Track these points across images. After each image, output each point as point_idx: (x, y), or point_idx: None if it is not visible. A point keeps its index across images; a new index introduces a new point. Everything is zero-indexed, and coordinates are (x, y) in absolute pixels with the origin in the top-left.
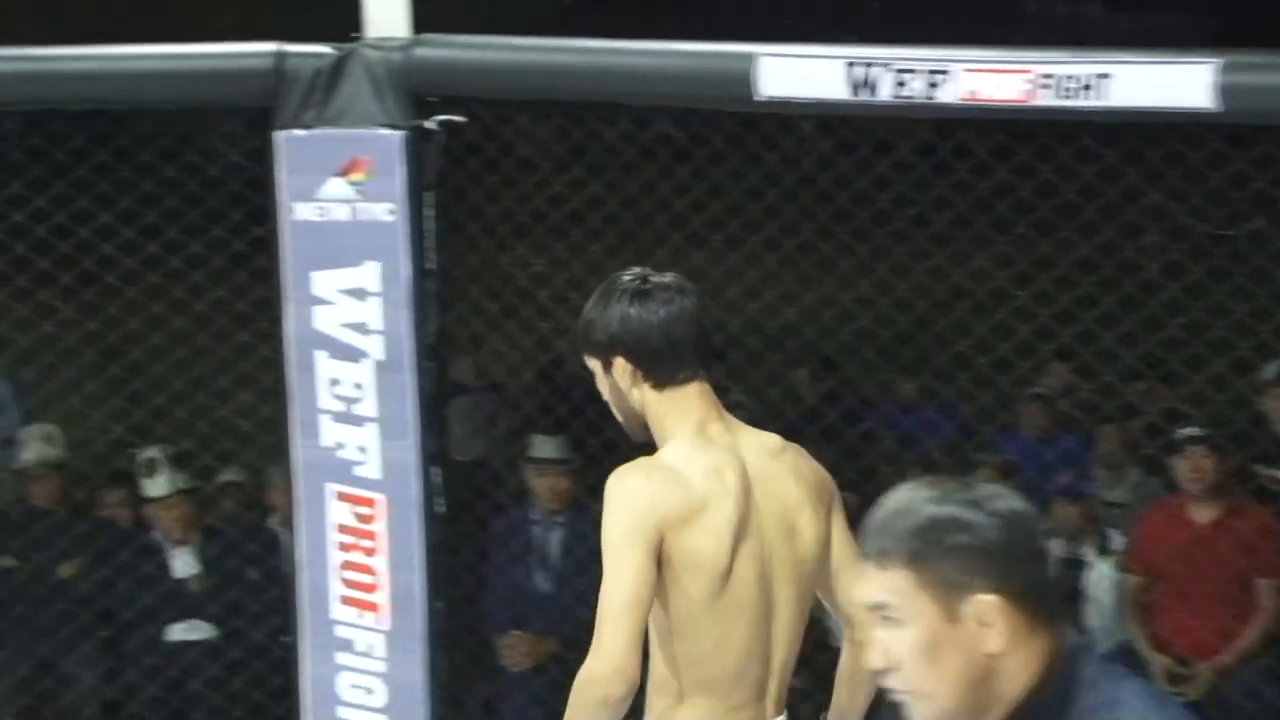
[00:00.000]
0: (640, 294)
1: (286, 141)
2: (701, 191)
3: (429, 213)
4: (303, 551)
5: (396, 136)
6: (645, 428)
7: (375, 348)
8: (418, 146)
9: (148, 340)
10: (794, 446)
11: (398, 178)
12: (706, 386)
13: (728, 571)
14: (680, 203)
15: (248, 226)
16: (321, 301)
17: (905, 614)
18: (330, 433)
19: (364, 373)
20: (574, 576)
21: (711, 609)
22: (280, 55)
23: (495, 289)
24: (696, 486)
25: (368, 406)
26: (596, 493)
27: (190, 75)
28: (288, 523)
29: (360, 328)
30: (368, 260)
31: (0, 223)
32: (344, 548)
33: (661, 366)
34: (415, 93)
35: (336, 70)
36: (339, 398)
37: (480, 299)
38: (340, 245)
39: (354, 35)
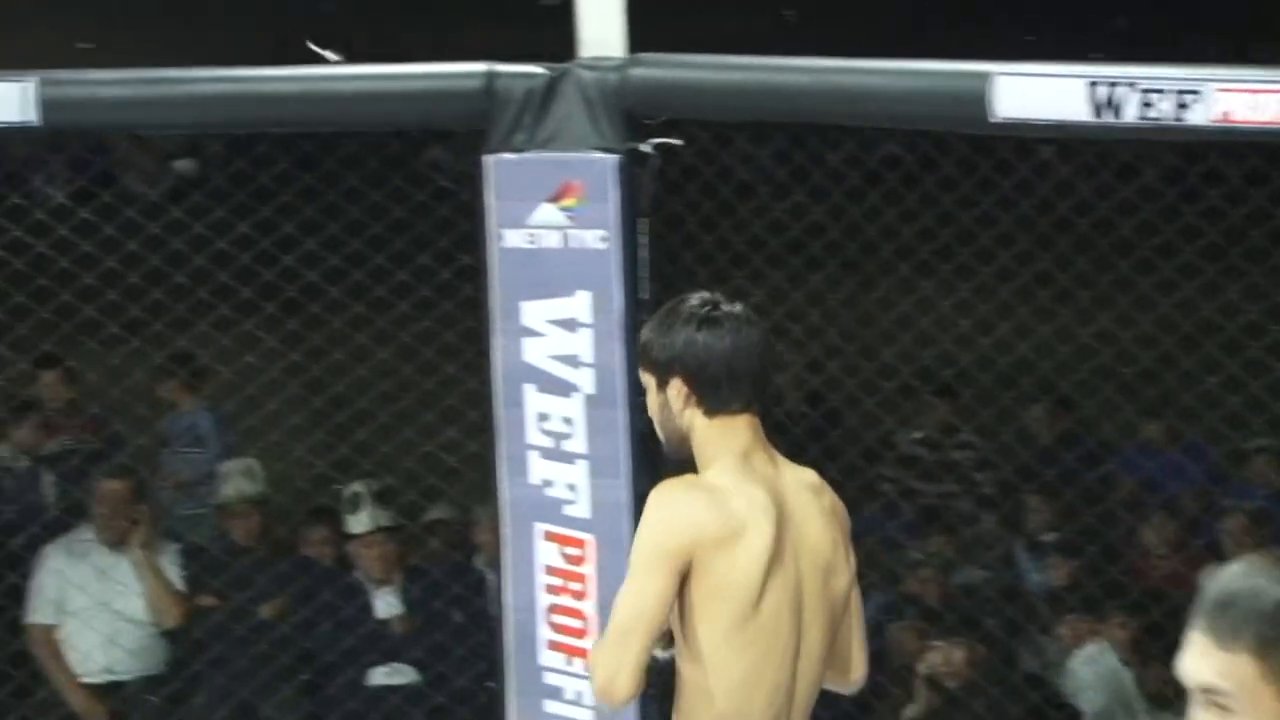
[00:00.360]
0: (709, 320)
1: (496, 165)
2: (931, 218)
3: (643, 240)
4: (509, 593)
5: (610, 160)
6: (685, 449)
7: (586, 381)
8: (632, 171)
9: (352, 372)
10: (828, 487)
11: (611, 203)
12: (756, 420)
13: (757, 601)
14: (908, 230)
15: (455, 254)
16: (531, 333)
17: (1242, 705)
18: (538, 470)
19: (574, 407)
20: None
21: (737, 638)
22: (491, 75)
23: None
24: (736, 511)
25: (578, 443)
26: None
27: (399, 96)
28: (494, 563)
29: (571, 360)
30: (579, 290)
31: (203, 249)
32: (552, 590)
33: (718, 395)
34: (630, 114)
35: (549, 91)
36: (548, 433)
37: None
38: (551, 274)
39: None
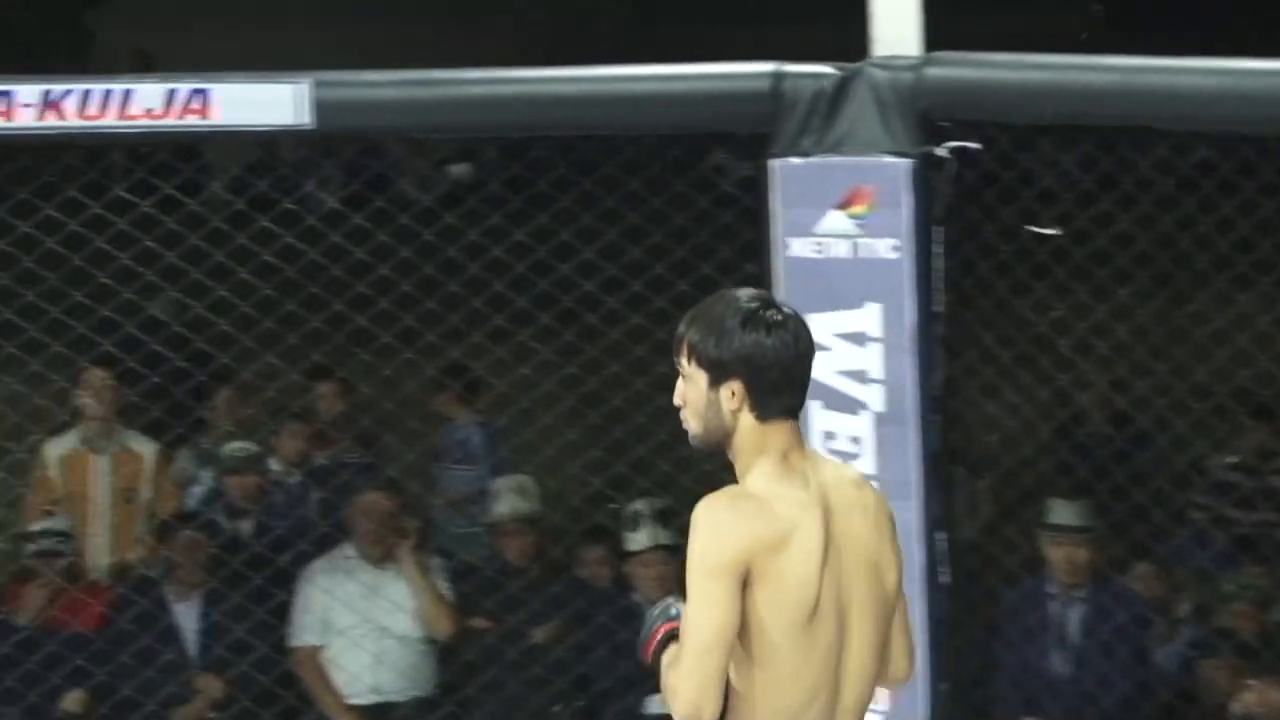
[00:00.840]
0: (775, 325)
1: (782, 170)
2: (1249, 227)
3: (937, 250)
4: None
5: (903, 165)
6: (720, 447)
7: (875, 398)
8: (926, 176)
9: (630, 386)
10: (869, 483)
11: (904, 211)
12: (797, 423)
13: (816, 599)
14: (1224, 240)
15: (738, 264)
16: (819, 348)
17: None
18: None
19: (862, 426)
20: (1096, 659)
21: (794, 637)
22: (778, 76)
23: (1009, 335)
24: (783, 514)
25: (866, 463)
26: (1120, 564)
27: (682, 98)
28: None
29: (859, 376)
30: (869, 302)
31: (478, 257)
32: None
33: (776, 400)
34: (925, 116)
35: (839, 92)
36: (835, 453)
37: (992, 346)
38: (839, 285)
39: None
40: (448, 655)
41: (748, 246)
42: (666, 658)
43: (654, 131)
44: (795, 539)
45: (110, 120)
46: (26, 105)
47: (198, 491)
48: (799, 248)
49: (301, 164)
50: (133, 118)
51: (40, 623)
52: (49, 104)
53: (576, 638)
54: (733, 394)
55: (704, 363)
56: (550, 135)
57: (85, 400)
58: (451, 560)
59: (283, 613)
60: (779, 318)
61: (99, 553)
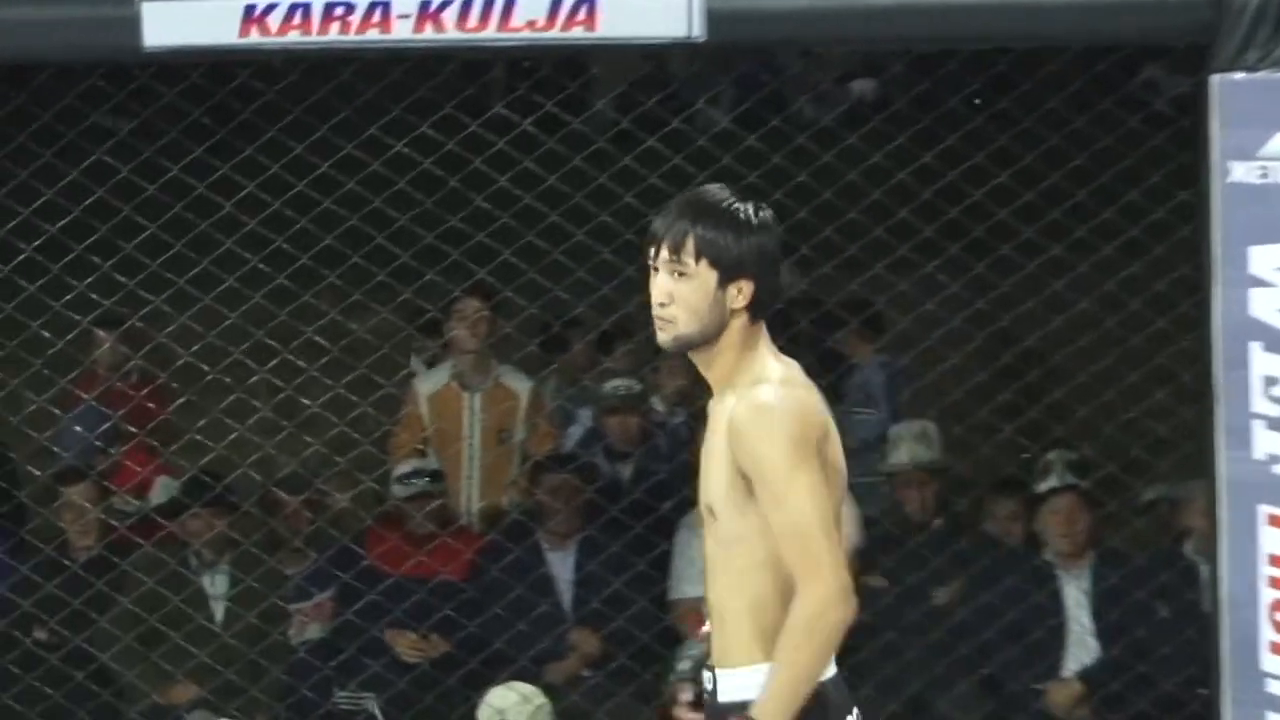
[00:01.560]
0: (773, 225)
1: (1223, 87)
2: None
3: None
4: (1225, 587)
5: None
6: (703, 346)
7: None
8: None
9: (1045, 324)
10: None
11: None
12: None
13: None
14: None
15: (1171, 190)
16: (1260, 283)
17: None
18: (1264, 443)
19: None
20: None
21: (835, 519)
22: None
23: None
24: (819, 404)
25: None
26: None
27: (1111, 7)
28: (1207, 551)
29: None
30: None
31: (882, 183)
32: (1277, 584)
33: (770, 300)
34: None
35: None
36: (1277, 400)
37: None
38: None
39: None
40: None
41: (1181, 171)
42: (777, 686)
43: (1077, 43)
44: (831, 426)
45: (490, 32)
46: (403, 16)
47: (575, 432)
48: (1240, 173)
49: (691, 79)
50: (514, 29)
51: (408, 569)
52: (426, 14)
53: (982, 599)
54: (739, 292)
55: (718, 262)
56: (963, 48)
57: (458, 332)
58: None
59: (662, 563)
60: (772, 218)
61: (470, 496)
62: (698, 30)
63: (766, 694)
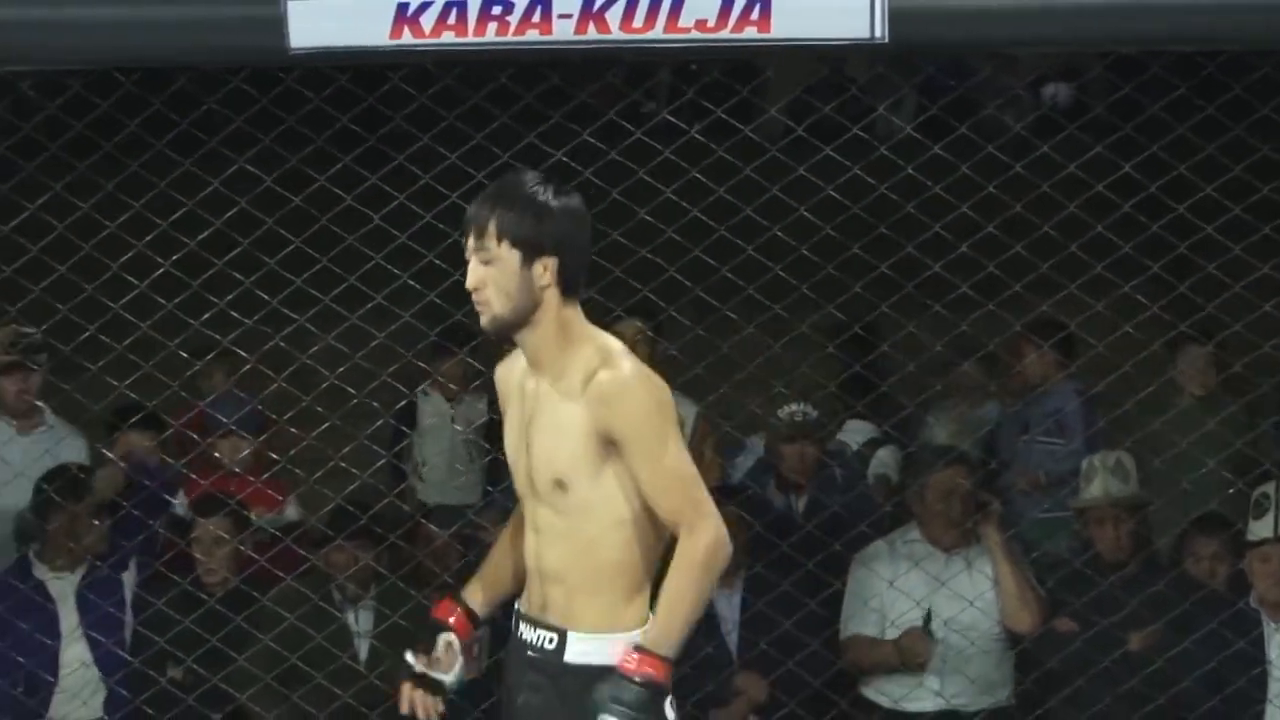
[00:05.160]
0: (574, 208)
1: None
2: None
3: None
4: None
5: None
6: (519, 328)
7: None
8: None
9: (1254, 347)
10: None
11: None
12: None
13: None
14: None
15: None
16: None
17: None
18: None
19: None
20: None
21: None
22: None
23: None
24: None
25: None
26: None
27: None
28: None
29: None
30: None
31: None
32: None
33: (578, 276)
34: None
35: None
36: None
37: None
38: None
39: None
40: (1026, 660)
41: None
42: (668, 607)
43: None
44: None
45: (656, 33)
46: (564, 16)
47: (744, 461)
48: None
49: (871, 83)
50: (682, 30)
51: None
52: (589, 14)
53: (1180, 647)
54: (545, 269)
55: (518, 242)
56: (1163, 49)
57: None
58: (1033, 552)
59: (835, 605)
60: (575, 194)
61: None
62: (881, 31)
63: (662, 628)
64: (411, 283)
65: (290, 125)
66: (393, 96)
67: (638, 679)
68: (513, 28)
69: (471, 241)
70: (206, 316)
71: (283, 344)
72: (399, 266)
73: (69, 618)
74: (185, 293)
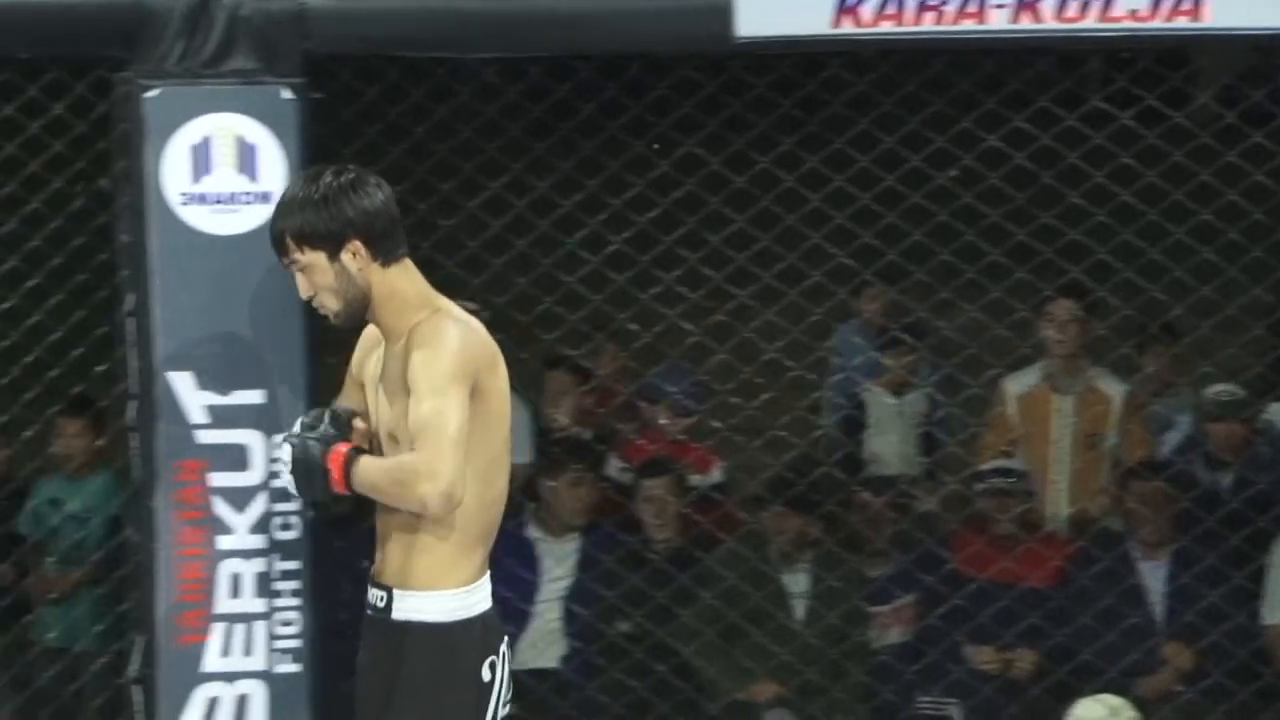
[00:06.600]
0: (355, 183)
1: None
2: None
3: None
4: None
5: None
6: (364, 311)
7: None
8: None
9: None
10: None
11: None
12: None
13: (509, 417)
14: None
15: None
16: None
17: None
18: None
19: None
20: None
21: (504, 456)
22: None
23: None
24: (488, 338)
25: None
26: None
27: None
28: None
29: None
30: None
31: None
32: None
33: (390, 243)
34: None
35: None
36: None
37: None
38: None
39: None
40: None
41: None
42: (379, 465)
43: None
44: (500, 362)
45: (1090, 23)
46: (999, 7)
47: (1172, 438)
48: None
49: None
50: (1115, 19)
51: (993, 574)
52: (1024, 5)
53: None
54: (354, 254)
55: (315, 242)
56: None
57: (1049, 334)
58: None
59: (1258, 578)
60: (354, 174)
61: (1058, 501)
62: None
63: (366, 468)
64: (847, 261)
65: (735, 110)
66: (831, 81)
67: (316, 452)
68: (950, 18)
69: (282, 260)
70: (655, 292)
71: (725, 318)
72: (836, 247)
73: (550, 575)
74: (631, 270)
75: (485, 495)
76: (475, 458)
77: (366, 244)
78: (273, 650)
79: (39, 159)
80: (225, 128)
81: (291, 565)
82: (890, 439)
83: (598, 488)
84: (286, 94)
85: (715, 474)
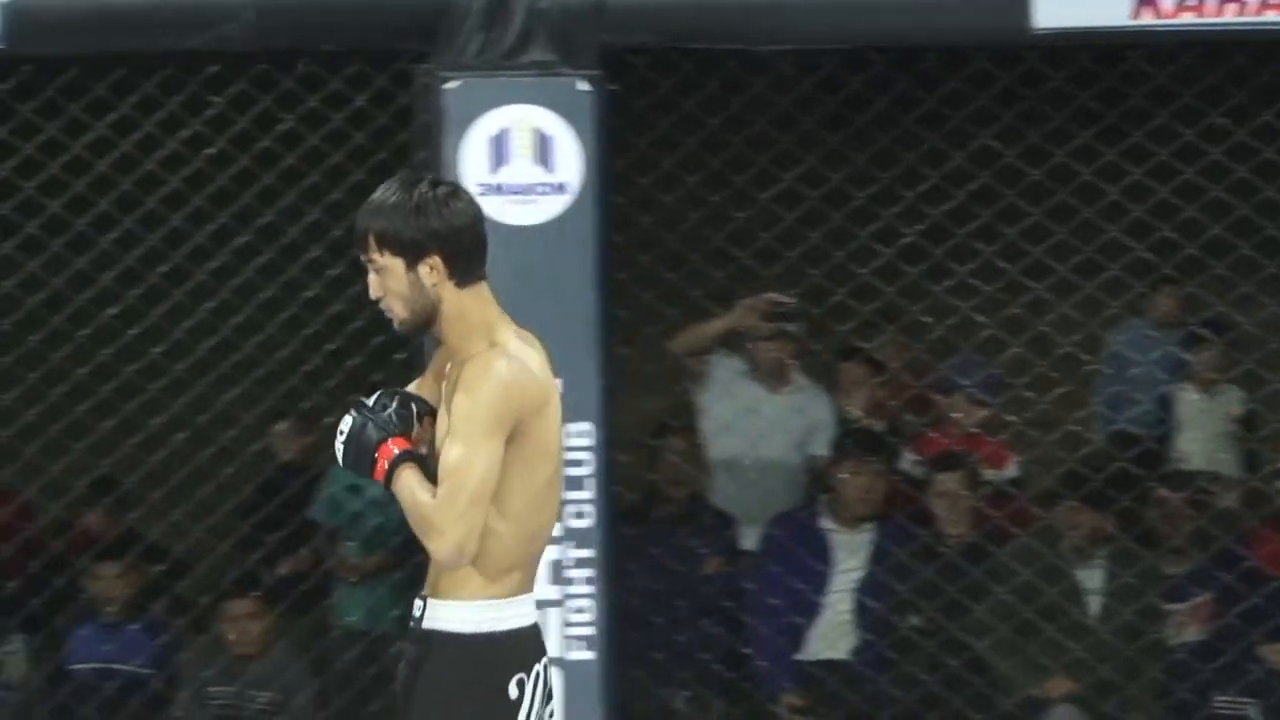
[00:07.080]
0: (450, 196)
1: None
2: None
3: None
4: None
5: None
6: (427, 326)
7: None
8: None
9: None
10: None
11: None
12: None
13: (559, 459)
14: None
15: None
16: None
17: None
18: None
19: None
20: None
21: (547, 493)
22: None
23: None
24: (541, 376)
25: None
26: None
27: None
28: None
29: None
30: None
31: None
32: None
33: (469, 266)
34: None
35: None
36: None
37: None
38: None
39: None
40: None
41: None
42: (411, 488)
43: None
44: (552, 400)
45: None
46: None
47: None
48: None
49: None
50: None
51: None
52: None
53: None
54: (431, 269)
55: (397, 248)
56: None
57: None
58: None
59: None
60: (451, 188)
61: None
62: None
63: (408, 478)
64: (1146, 255)
65: (1031, 103)
66: (1130, 73)
67: (373, 438)
68: (1252, 9)
69: (361, 255)
70: (949, 284)
71: (1020, 311)
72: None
73: (842, 566)
74: (925, 263)
75: (522, 530)
76: (514, 499)
77: (446, 260)
78: (565, 637)
79: (341, 150)
80: (523, 119)
81: (585, 553)
82: (1197, 435)
83: (890, 480)
84: (583, 86)
85: (1009, 469)
